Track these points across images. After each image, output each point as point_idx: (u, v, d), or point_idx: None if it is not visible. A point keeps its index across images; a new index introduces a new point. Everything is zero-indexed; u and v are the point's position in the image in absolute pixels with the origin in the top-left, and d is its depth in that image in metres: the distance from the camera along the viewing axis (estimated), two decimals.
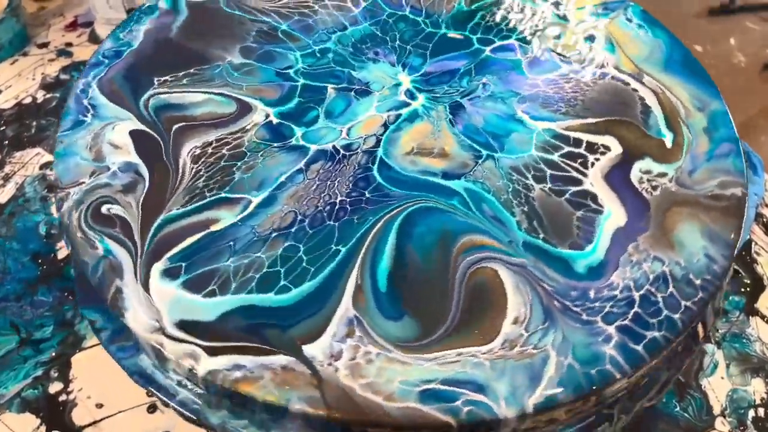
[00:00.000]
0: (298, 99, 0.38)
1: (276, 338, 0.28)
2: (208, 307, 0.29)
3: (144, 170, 0.34)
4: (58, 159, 0.34)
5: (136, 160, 0.34)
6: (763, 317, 0.46)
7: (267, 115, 0.37)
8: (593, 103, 0.39)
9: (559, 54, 0.42)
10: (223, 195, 0.33)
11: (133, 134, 0.35)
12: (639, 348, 0.29)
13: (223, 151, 0.35)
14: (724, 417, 0.41)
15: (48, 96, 0.58)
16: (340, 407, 0.26)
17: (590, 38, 0.43)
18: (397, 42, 0.41)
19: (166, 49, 0.40)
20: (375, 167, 0.35)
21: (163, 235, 0.31)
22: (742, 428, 0.41)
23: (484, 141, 0.37)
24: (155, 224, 0.32)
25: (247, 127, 0.36)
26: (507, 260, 0.31)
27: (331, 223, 0.32)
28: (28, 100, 0.58)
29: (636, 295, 0.30)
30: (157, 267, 0.30)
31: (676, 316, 0.30)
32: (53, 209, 0.49)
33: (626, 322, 0.29)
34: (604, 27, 0.43)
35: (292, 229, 0.32)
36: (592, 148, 0.37)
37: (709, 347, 0.43)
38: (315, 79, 0.39)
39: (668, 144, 0.37)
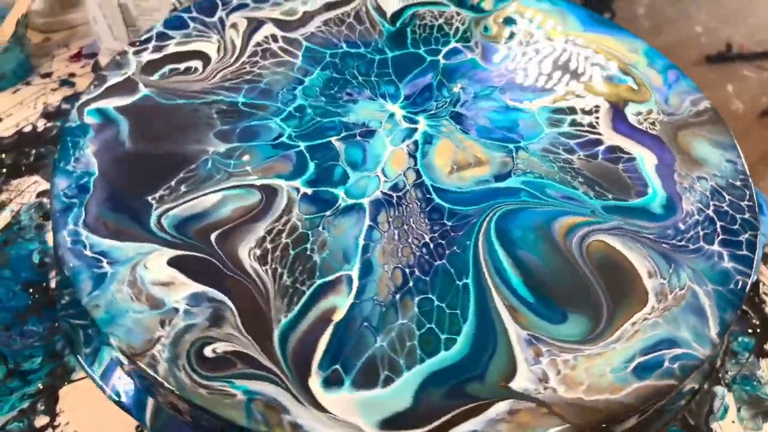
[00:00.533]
0: (313, 163, 0.35)
1: (480, 390, 0.27)
2: (396, 395, 0.26)
3: (218, 294, 0.29)
4: (110, 325, 0.28)
5: (200, 288, 0.29)
6: None
7: (297, 189, 0.34)
8: (556, 73, 0.42)
9: (496, 40, 0.45)
10: (319, 282, 0.30)
11: (174, 263, 0.30)
12: (744, 251, 0.32)
13: (283, 240, 0.31)
14: None
15: (48, 125, 0.58)
16: (584, 419, 0.26)
17: (509, 21, 0.46)
18: (359, 77, 0.41)
19: (134, 163, 0.34)
20: (435, 196, 0.34)
21: (292, 349, 0.27)
22: None
23: (503, 137, 0.38)
24: (276, 341, 0.28)
25: (287, 208, 0.33)
26: (604, 227, 0.33)
27: (439, 262, 0.31)
28: (29, 128, 0.58)
29: (710, 212, 0.34)
30: (314, 382, 0.26)
31: (746, 215, 0.34)
32: (48, 237, 0.49)
33: (721, 236, 0.33)
34: (515, 8, 0.47)
35: (410, 284, 0.30)
36: (585, 110, 0.40)
37: (720, 390, 0.43)
38: (313, 138, 0.37)
39: (634, 87, 0.41)
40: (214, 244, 0.31)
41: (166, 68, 0.39)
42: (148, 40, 0.41)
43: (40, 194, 0.53)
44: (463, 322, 0.29)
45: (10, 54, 0.60)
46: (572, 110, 0.40)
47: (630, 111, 0.40)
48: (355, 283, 0.30)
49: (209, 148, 0.36)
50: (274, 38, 0.42)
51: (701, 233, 0.33)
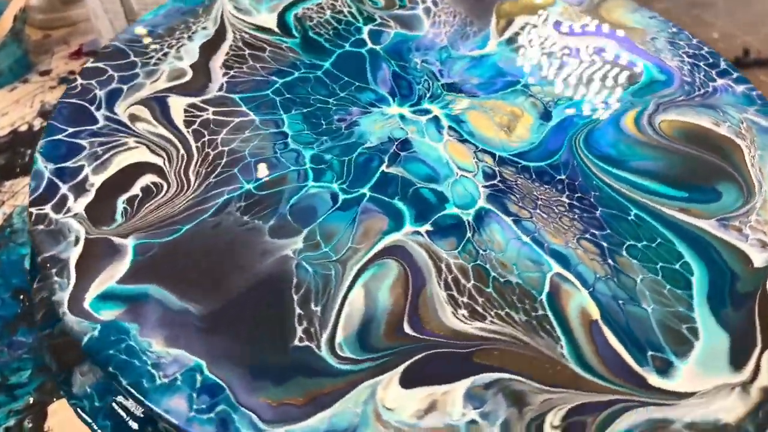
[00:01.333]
0: (398, 200, 0.31)
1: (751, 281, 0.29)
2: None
3: None
4: None
5: None
6: None
7: (420, 234, 0.30)
8: (477, 11, 0.44)
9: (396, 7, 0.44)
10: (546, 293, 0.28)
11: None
12: (735, 74, 0.40)
13: (470, 283, 0.28)
14: None
15: (45, 124, 0.51)
16: None
17: None
18: (329, 99, 0.36)
19: (227, 325, 0.26)
20: (525, 162, 0.34)
21: None
22: None
23: (504, 84, 0.38)
24: None
25: (436, 263, 0.28)
26: (652, 109, 0.37)
27: (598, 211, 0.31)
28: (24, 127, 0.56)
29: (688, 60, 0.41)
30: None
31: (705, 49, 0.41)
32: None
33: (713, 71, 0.40)
34: None
35: (605, 245, 0.30)
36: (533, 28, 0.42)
37: None
38: (366, 179, 0.32)
39: None
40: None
41: (119, 205, 0.30)
42: (51, 188, 0.30)
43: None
44: (673, 245, 0.30)
45: (8, 50, 0.59)
46: (518, 35, 0.42)
47: (553, 18, 0.43)
48: (572, 277, 0.28)
49: (285, 252, 0.29)
50: (198, 108, 0.35)
51: (702, 78, 0.39)
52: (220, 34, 0.40)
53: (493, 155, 0.33)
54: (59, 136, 0.33)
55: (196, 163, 0.32)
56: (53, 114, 0.34)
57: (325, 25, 0.41)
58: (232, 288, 0.27)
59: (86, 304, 0.26)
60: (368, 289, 0.27)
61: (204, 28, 0.40)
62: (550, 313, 0.27)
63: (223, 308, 0.26)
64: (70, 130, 0.33)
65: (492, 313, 0.27)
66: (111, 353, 0.25)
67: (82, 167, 0.31)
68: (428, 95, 0.37)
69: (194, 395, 0.24)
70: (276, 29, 0.40)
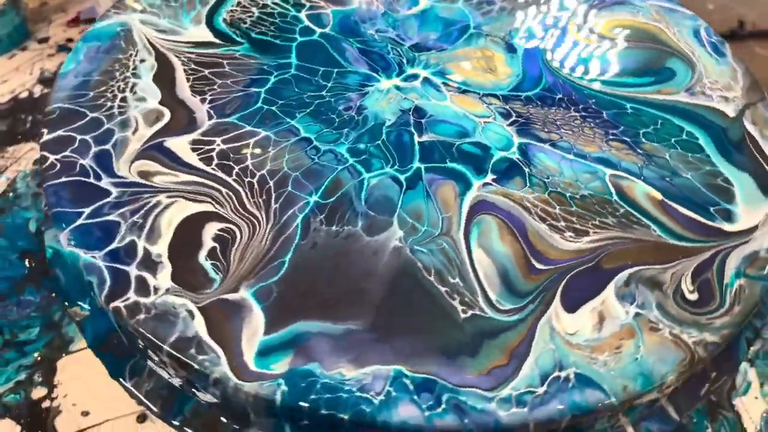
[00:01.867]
0: (449, 162, 0.33)
1: None
2: None
3: None
4: None
5: None
6: None
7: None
8: None
9: None
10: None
11: None
12: None
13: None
14: None
15: (45, 91, 0.56)
16: None
17: None
18: (323, 93, 0.36)
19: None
20: (531, 93, 0.37)
21: None
22: None
23: (458, 33, 0.41)
24: None
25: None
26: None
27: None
28: (25, 94, 0.57)
29: None
30: None
31: None
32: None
33: None
34: None
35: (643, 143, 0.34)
36: None
37: (742, 366, 0.42)
38: (408, 155, 0.33)
39: None
40: None
41: (205, 263, 0.28)
42: (119, 276, 0.27)
43: (37, 161, 0.51)
44: (672, 122, 0.36)
45: (6, 18, 0.58)
46: None
47: None
48: (623, 173, 0.33)
49: (392, 244, 0.29)
50: (203, 142, 0.33)
51: None
52: (164, 63, 0.36)
53: (496, 96, 0.36)
54: (81, 221, 0.29)
55: (248, 195, 0.30)
56: (53, 201, 0.30)
57: (262, 23, 0.40)
58: (373, 293, 0.27)
59: (254, 367, 0.25)
60: (485, 247, 0.29)
61: (142, 61, 0.36)
62: (628, 208, 0.31)
63: (378, 313, 0.27)
64: (87, 210, 0.29)
65: (590, 225, 0.30)
66: (313, 398, 0.24)
67: (133, 242, 0.28)
68: (405, 61, 0.38)
69: (416, 397, 0.24)
70: (217, 40, 0.38)
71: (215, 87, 0.35)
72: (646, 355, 0.26)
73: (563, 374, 0.25)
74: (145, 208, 0.29)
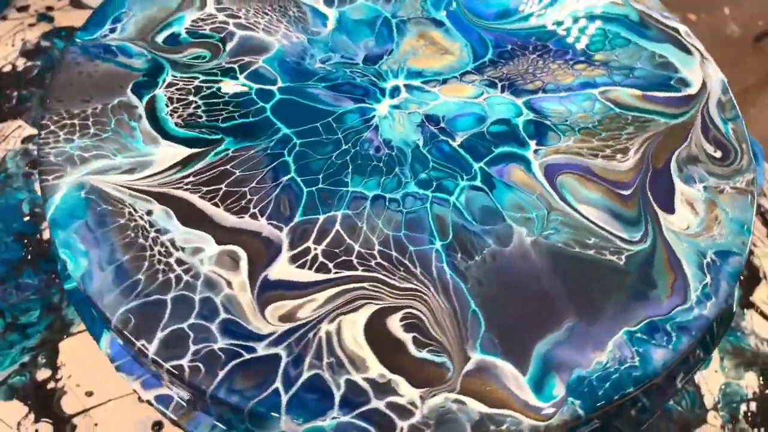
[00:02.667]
0: (497, 149, 0.36)
1: None
2: None
3: None
4: None
5: None
6: (758, 310, 0.46)
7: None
8: None
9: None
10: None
11: None
12: None
13: None
14: (717, 411, 0.41)
15: (29, 64, 0.56)
16: None
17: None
18: (343, 145, 0.35)
19: None
20: (489, 58, 0.40)
21: None
22: (733, 422, 0.40)
23: (385, 20, 0.41)
24: None
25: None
26: None
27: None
28: (8, 68, 0.56)
29: None
30: None
31: None
32: (36, 187, 0.47)
33: None
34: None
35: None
36: None
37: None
38: (456, 160, 0.35)
39: None
40: None
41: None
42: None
43: (25, 140, 0.51)
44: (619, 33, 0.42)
45: None
46: None
47: None
48: (614, 87, 0.39)
49: (527, 240, 0.32)
50: (302, 255, 0.31)
51: None
52: (173, 202, 0.32)
53: (471, 72, 0.39)
54: (285, 398, 0.27)
55: (388, 275, 0.31)
56: (238, 401, 0.27)
57: (216, 108, 0.36)
58: (554, 288, 0.31)
59: (544, 404, 0.27)
60: (583, 201, 0.34)
61: (149, 213, 0.32)
62: (630, 113, 0.38)
63: (572, 300, 0.31)
64: (275, 385, 0.27)
65: (623, 141, 0.36)
66: (601, 393, 0.28)
67: (352, 382, 0.28)
68: (374, 78, 0.38)
69: (654, 341, 0.30)
70: (194, 149, 0.34)
71: (249, 197, 0.33)
72: (731, 212, 0.34)
73: (708, 259, 0.32)
74: (323, 345, 0.28)
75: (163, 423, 0.38)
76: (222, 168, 0.33)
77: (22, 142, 0.51)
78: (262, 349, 0.28)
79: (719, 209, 0.34)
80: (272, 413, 0.26)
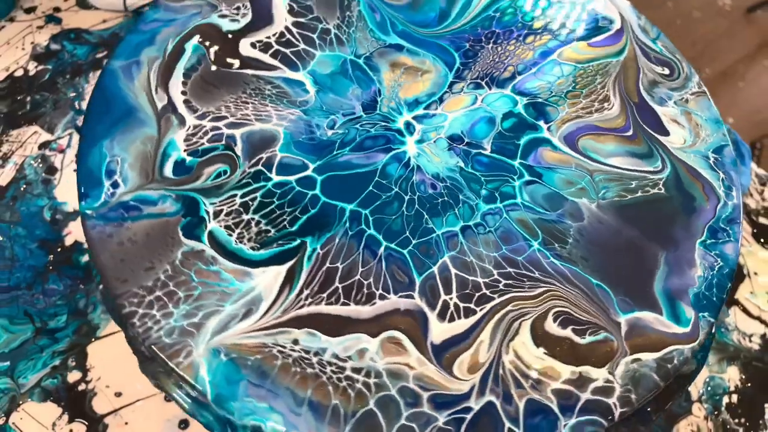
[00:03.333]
0: (518, 141, 0.39)
1: None
2: None
3: None
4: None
5: None
6: (741, 307, 0.48)
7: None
8: None
9: None
10: None
11: None
12: None
13: None
14: (701, 403, 0.44)
15: (40, 68, 0.57)
16: None
17: None
18: (402, 193, 0.37)
19: None
20: (459, 60, 0.43)
21: None
22: (716, 413, 0.43)
23: (354, 63, 0.43)
24: None
25: None
26: None
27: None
28: (20, 72, 0.56)
29: None
30: None
31: None
32: (56, 192, 0.49)
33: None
34: None
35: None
36: None
37: None
38: (503, 168, 0.39)
39: None
40: None
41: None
42: None
43: (42, 145, 0.52)
44: None
45: None
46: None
47: None
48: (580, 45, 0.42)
49: (594, 209, 0.37)
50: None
51: None
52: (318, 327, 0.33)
53: (455, 81, 0.42)
54: None
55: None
56: None
57: (273, 215, 0.36)
58: (644, 241, 0.37)
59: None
60: (610, 154, 0.40)
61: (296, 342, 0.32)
62: (593, 63, 0.44)
63: (664, 247, 0.37)
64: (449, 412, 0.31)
65: (609, 90, 0.43)
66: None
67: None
68: (385, 123, 0.40)
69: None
70: (280, 284, 0.34)
71: (365, 282, 0.34)
72: (702, 114, 0.42)
73: (712, 159, 0.40)
74: (516, 373, 0.32)
75: (189, 422, 0.40)
76: (324, 268, 0.34)
77: (39, 147, 0.52)
78: (475, 404, 0.31)
79: (694, 116, 0.42)
80: None
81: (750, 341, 0.47)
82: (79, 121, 0.54)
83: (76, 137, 0.53)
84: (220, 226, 0.35)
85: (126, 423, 0.41)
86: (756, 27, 1.60)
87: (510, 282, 0.35)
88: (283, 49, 0.42)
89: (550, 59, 0.44)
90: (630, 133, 0.41)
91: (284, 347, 0.32)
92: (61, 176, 0.50)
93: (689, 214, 0.38)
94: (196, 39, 0.41)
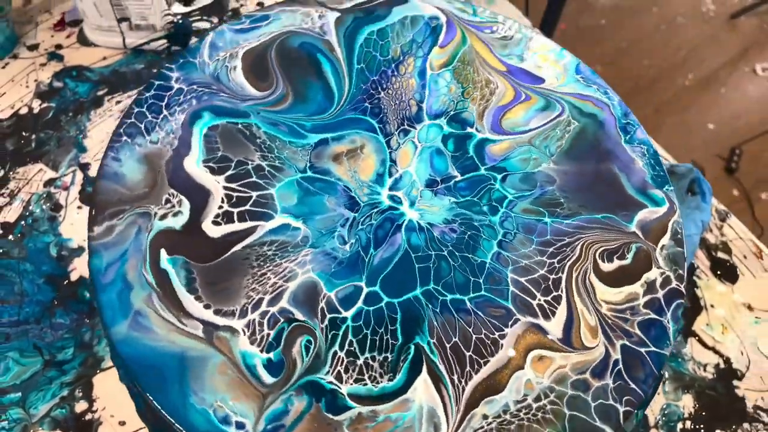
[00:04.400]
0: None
1: None
2: None
3: None
4: None
5: None
6: (697, 338, 0.51)
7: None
8: None
9: None
10: None
11: None
12: None
13: None
14: (657, 429, 0.46)
15: (44, 106, 0.59)
16: None
17: None
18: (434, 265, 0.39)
19: None
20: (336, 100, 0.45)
21: None
22: None
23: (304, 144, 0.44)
24: None
25: None
26: None
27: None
28: (25, 110, 0.59)
29: None
30: None
31: None
32: (61, 229, 0.52)
33: None
34: None
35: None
36: None
37: None
38: (475, 206, 0.42)
39: None
40: None
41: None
42: None
43: (47, 183, 0.54)
44: None
45: None
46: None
47: None
48: None
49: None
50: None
51: None
52: None
53: (388, 136, 0.44)
54: None
55: None
56: None
57: (375, 349, 0.36)
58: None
59: None
60: (529, 118, 0.46)
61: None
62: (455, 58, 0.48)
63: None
64: None
65: (472, 71, 0.48)
66: None
67: None
68: (375, 213, 0.41)
69: None
70: None
71: (485, 344, 0.36)
72: (552, 47, 0.50)
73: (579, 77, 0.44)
74: None
75: None
76: (447, 352, 0.36)
77: (45, 185, 0.54)
78: (615, 354, 0.36)
79: (545, 54, 0.49)
80: None
81: (704, 371, 0.49)
82: (81, 158, 0.56)
83: (79, 175, 0.55)
84: (351, 384, 0.34)
85: None
86: (739, 33, 1.66)
87: (557, 257, 0.40)
88: (242, 208, 0.39)
89: (428, 76, 0.47)
90: (523, 97, 0.46)
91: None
92: (65, 213, 0.53)
93: (602, 127, 0.45)
94: (164, 255, 0.37)
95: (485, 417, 0.34)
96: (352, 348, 0.35)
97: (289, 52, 0.46)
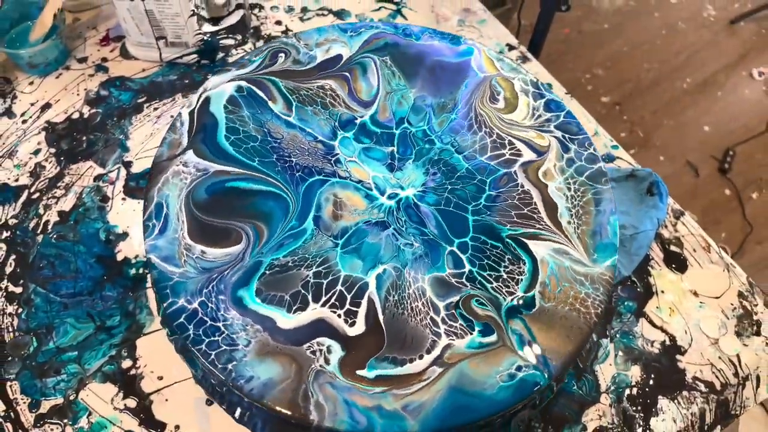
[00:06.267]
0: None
1: None
2: None
3: None
4: None
5: None
6: (648, 319, 0.58)
7: None
8: None
9: None
10: None
11: None
12: None
13: None
14: (607, 394, 0.53)
15: (92, 111, 0.68)
16: None
17: None
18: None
19: None
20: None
21: None
22: (618, 402, 0.52)
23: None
24: None
25: None
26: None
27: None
28: (76, 115, 0.68)
29: None
30: None
31: None
32: (109, 217, 0.61)
33: None
34: None
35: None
36: None
37: (604, 341, 0.56)
38: (458, 225, 0.49)
39: None
40: None
41: None
42: None
43: (97, 178, 0.63)
44: None
45: (53, 44, 0.69)
46: None
47: None
48: None
49: None
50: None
51: None
52: None
53: (339, 176, 0.51)
54: None
55: None
56: None
57: None
58: None
59: None
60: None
61: None
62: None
63: None
64: None
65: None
66: None
67: None
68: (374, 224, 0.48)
69: None
70: None
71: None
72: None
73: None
74: None
75: (212, 401, 0.50)
76: None
77: (95, 179, 0.63)
78: None
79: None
80: None
81: (652, 346, 0.56)
82: (125, 157, 0.65)
83: (123, 171, 0.64)
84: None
85: (166, 400, 0.51)
86: (738, 38, 1.69)
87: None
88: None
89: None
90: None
91: None
92: (112, 204, 0.62)
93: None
94: None
95: None
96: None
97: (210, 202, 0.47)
